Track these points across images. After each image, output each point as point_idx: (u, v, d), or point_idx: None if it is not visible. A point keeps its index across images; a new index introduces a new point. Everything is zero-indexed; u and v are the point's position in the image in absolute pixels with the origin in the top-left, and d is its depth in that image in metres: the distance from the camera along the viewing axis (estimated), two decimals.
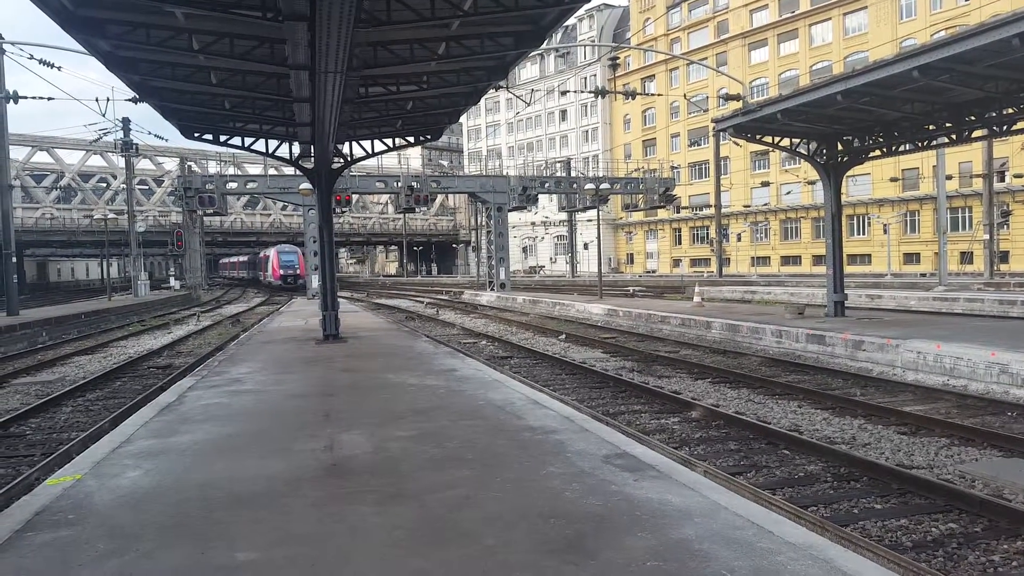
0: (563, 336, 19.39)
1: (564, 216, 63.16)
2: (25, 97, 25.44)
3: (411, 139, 17.38)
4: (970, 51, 11.59)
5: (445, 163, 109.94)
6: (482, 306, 33.55)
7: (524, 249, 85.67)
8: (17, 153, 60.60)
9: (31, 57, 22.38)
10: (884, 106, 15.07)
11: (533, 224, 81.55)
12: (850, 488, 6.59)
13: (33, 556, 4.08)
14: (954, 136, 15.84)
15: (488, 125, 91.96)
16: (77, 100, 25.89)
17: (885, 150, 17.32)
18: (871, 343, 13.36)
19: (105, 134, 36.12)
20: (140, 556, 4.02)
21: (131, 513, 4.75)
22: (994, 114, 14.73)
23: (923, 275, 43.15)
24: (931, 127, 16.07)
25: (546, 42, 11.62)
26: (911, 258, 52.33)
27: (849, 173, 19.22)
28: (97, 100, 41.88)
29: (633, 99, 69.24)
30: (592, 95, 40.12)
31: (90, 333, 24.33)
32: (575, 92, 44.38)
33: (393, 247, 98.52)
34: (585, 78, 76.86)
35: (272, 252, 56.53)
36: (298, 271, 53.20)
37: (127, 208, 44.29)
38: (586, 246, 62.89)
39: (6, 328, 22.13)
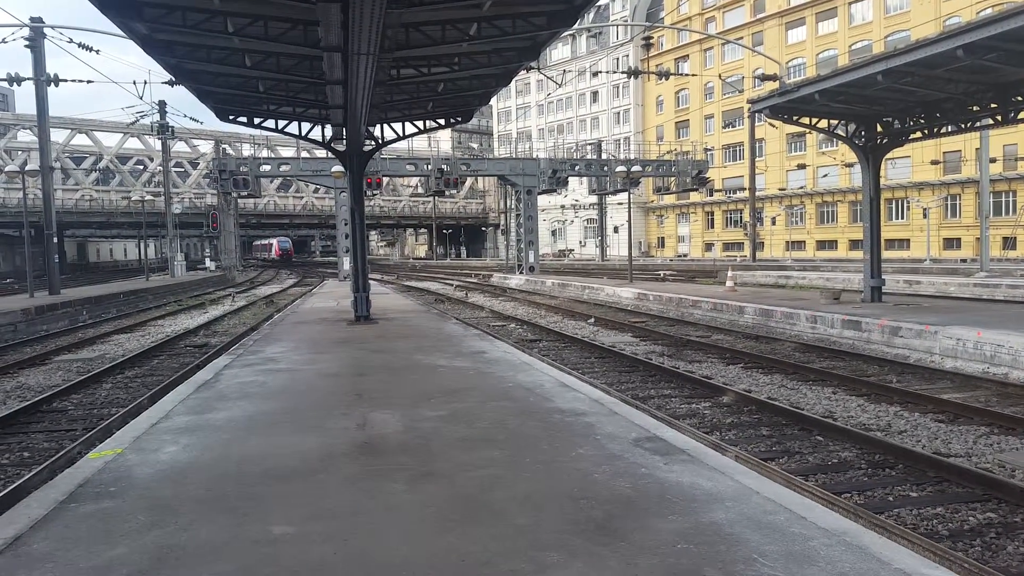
0: (592, 320, 19.34)
1: (594, 199, 62.70)
2: (65, 80, 26.00)
3: (441, 121, 17.37)
4: (1018, 29, 11.18)
5: (475, 146, 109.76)
6: (511, 289, 33.59)
7: (553, 232, 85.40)
8: (57, 135, 61.89)
9: (71, 41, 22.96)
10: (926, 86, 14.64)
11: (563, 207, 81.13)
12: (885, 475, 6.50)
13: (77, 526, 4.21)
14: (999, 117, 15.35)
15: (518, 107, 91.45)
16: (115, 83, 26.62)
17: (926, 132, 16.85)
18: (908, 329, 13.10)
19: (142, 117, 36.81)
20: (179, 528, 4.13)
21: (170, 487, 4.88)
22: None
23: (964, 261, 42.04)
24: (975, 108, 15.59)
25: (578, 22, 11.46)
26: (951, 243, 51.03)
27: (888, 156, 18.74)
28: (135, 83, 42.48)
29: (666, 80, 68.46)
30: (624, 76, 39.64)
31: (128, 312, 24.93)
32: (607, 73, 43.87)
33: (423, 230, 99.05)
34: (617, 59, 75.99)
35: (275, 240, 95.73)
36: (288, 252, 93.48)
37: (164, 190, 45.15)
38: (616, 229, 62.45)
39: (48, 307, 22.76)
